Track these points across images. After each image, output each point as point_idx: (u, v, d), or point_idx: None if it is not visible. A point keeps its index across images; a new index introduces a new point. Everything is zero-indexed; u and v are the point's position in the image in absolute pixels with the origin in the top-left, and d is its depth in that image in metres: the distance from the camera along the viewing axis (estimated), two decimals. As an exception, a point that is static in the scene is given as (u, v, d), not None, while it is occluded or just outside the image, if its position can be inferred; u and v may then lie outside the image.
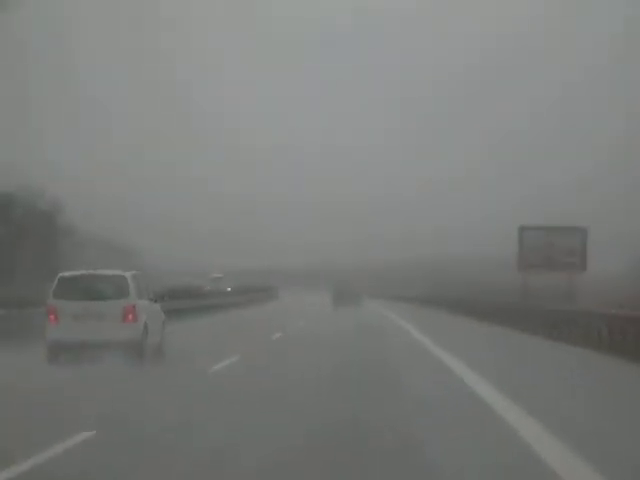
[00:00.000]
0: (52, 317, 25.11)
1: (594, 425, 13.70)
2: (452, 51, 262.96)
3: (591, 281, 59.45)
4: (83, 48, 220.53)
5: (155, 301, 26.91)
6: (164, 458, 11.11)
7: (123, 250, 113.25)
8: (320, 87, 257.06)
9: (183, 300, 57.68)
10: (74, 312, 24.98)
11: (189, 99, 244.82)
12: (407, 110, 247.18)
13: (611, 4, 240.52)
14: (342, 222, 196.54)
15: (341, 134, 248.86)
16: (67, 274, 26.16)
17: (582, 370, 23.65)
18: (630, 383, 20.93)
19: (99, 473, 10.38)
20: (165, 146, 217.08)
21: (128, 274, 25.80)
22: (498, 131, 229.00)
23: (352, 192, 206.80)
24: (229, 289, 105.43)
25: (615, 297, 40.85)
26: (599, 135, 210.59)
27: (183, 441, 12.09)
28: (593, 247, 58.57)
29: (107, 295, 25.87)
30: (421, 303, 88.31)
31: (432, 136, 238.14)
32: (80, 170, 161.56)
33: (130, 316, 25.08)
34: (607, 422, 14.08)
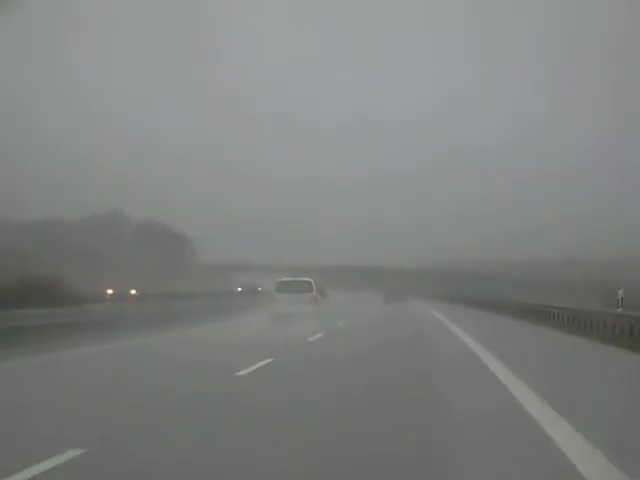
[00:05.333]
0: (275, 301, 50.59)
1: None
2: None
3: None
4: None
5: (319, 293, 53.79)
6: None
7: (178, 237, 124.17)
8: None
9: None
10: (286, 299, 49.24)
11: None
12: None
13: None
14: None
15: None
16: (282, 280, 51.41)
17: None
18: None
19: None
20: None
21: (312, 280, 50.70)
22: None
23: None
24: (239, 289, 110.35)
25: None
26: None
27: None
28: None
29: (302, 290, 49.18)
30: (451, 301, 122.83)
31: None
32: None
33: (313, 302, 49.81)
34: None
